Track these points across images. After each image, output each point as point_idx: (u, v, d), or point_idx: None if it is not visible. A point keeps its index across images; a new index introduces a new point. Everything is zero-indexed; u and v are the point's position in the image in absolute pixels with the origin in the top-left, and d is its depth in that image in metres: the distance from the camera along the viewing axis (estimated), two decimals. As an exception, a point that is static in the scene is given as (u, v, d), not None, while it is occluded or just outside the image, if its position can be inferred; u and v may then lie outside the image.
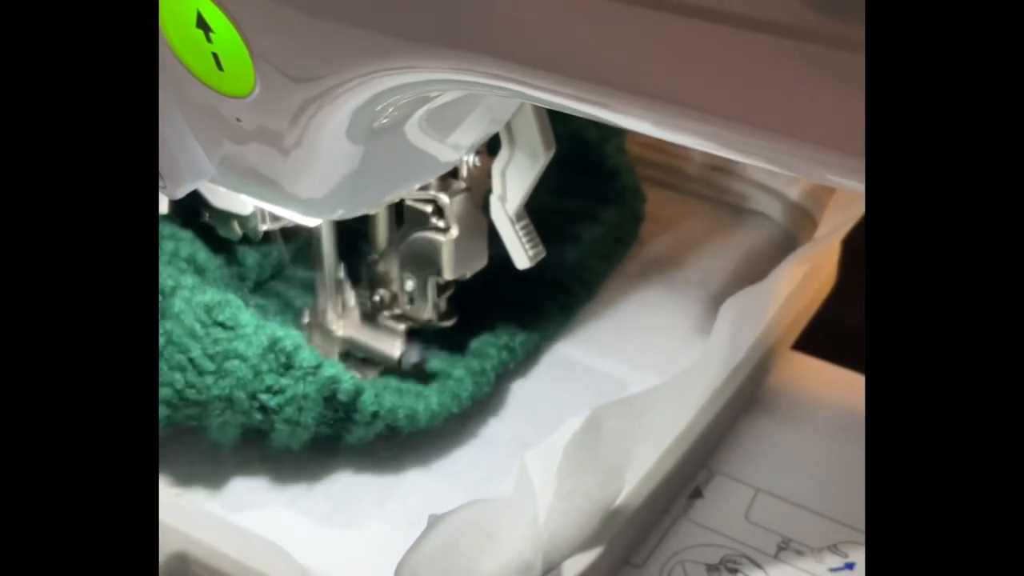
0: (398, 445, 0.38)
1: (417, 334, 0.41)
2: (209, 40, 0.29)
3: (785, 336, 0.43)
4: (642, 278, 0.47)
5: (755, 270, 0.46)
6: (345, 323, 0.41)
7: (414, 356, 0.40)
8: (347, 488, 0.38)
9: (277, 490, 0.38)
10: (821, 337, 0.45)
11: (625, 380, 0.42)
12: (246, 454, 0.38)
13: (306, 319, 0.41)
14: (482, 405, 0.40)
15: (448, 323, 0.41)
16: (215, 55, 0.29)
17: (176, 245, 0.39)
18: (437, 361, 0.40)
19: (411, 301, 0.40)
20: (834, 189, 0.45)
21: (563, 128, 0.37)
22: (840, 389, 0.43)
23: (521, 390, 0.42)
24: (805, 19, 0.21)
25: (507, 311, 0.41)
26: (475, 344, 0.40)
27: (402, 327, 0.41)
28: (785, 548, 0.37)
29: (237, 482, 0.38)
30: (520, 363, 0.41)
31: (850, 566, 0.36)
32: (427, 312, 0.40)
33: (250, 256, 0.42)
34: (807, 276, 0.43)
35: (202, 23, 0.29)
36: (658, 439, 0.36)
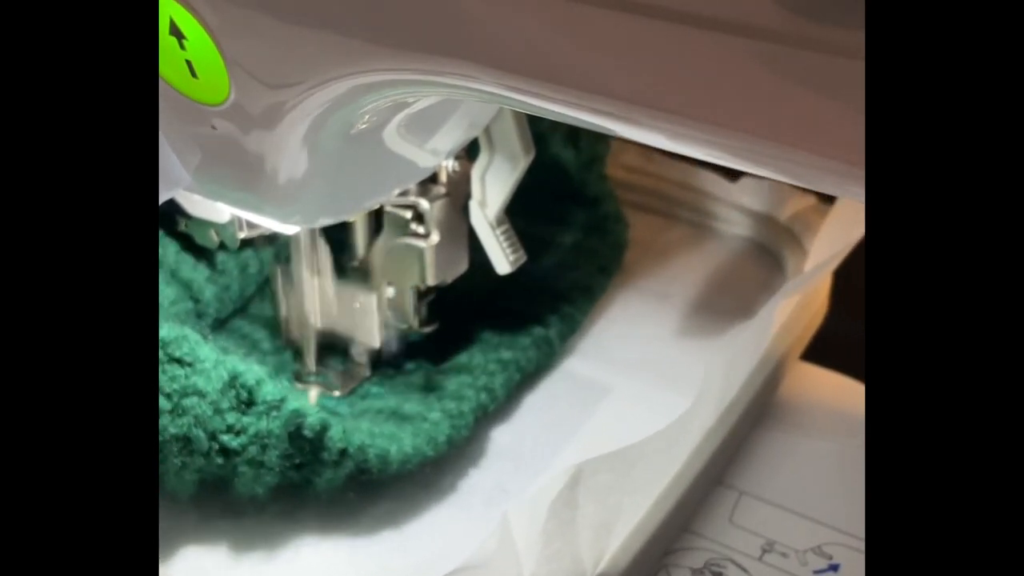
0: (370, 494, 0.36)
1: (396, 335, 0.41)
2: (182, 47, 0.29)
3: (775, 372, 0.41)
4: (626, 307, 0.45)
5: (743, 297, 0.45)
6: (323, 313, 0.40)
7: (394, 345, 0.39)
8: (317, 547, 0.36)
9: (242, 547, 0.35)
10: (822, 345, 0.44)
11: (612, 419, 0.40)
12: (207, 510, 0.36)
13: (283, 311, 0.40)
14: (460, 452, 0.38)
15: (428, 329, 0.40)
16: (189, 62, 0.29)
17: None
18: (411, 404, 0.38)
19: (392, 308, 0.40)
20: (824, 213, 0.45)
21: (542, 155, 0.36)
22: (823, 391, 0.43)
23: (501, 434, 0.39)
24: (803, 27, 0.20)
25: (486, 350, 0.40)
26: (452, 386, 0.38)
27: (379, 317, 0.40)
28: (769, 550, 0.37)
29: (198, 539, 0.36)
30: (500, 405, 0.39)
31: (834, 567, 0.36)
32: (408, 319, 0.40)
33: (207, 290, 0.40)
34: (798, 308, 0.41)
35: (175, 30, 0.28)
36: (647, 492, 0.35)
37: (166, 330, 0.33)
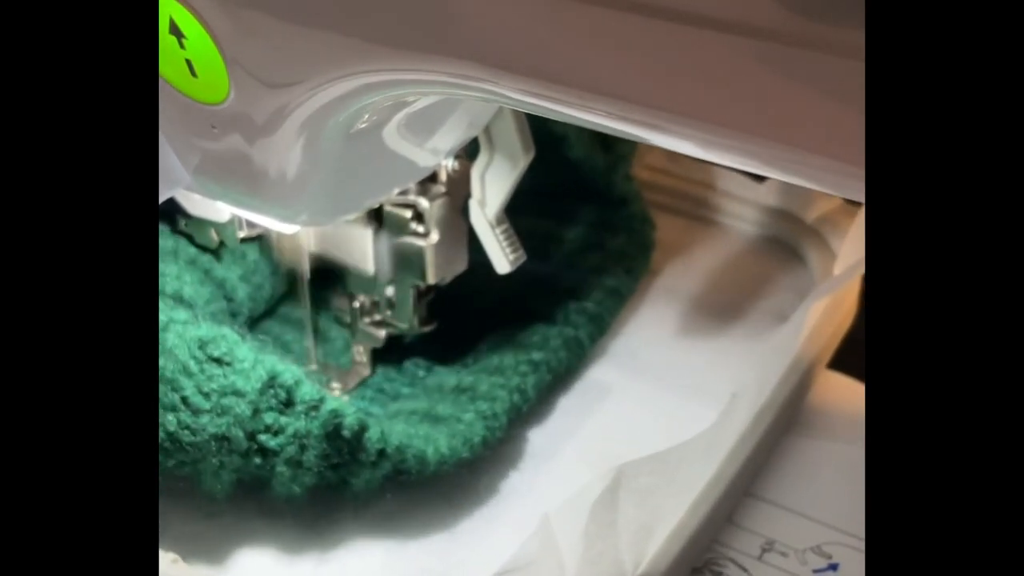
0: (407, 497, 0.36)
1: (399, 338, 0.41)
2: (182, 47, 0.29)
3: (807, 373, 0.41)
4: (654, 309, 0.45)
5: (770, 300, 0.45)
6: (317, 237, 0.39)
7: (386, 276, 0.39)
8: (355, 550, 0.36)
9: (279, 550, 0.35)
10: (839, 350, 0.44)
11: (644, 423, 0.40)
12: (245, 509, 0.36)
13: (275, 236, 0.40)
14: (496, 454, 0.38)
15: (428, 328, 0.40)
16: (188, 62, 0.29)
17: (161, 281, 0.37)
18: (444, 406, 0.38)
19: (391, 307, 0.40)
20: (851, 213, 0.44)
21: (568, 155, 0.35)
22: (829, 394, 0.42)
23: (534, 436, 0.39)
24: (802, 26, 0.20)
25: (516, 351, 0.40)
26: (484, 387, 0.38)
27: (383, 333, 0.40)
28: (769, 550, 0.37)
29: (236, 540, 0.36)
30: (533, 407, 0.39)
31: (834, 567, 0.36)
32: (407, 318, 0.40)
33: (241, 289, 0.40)
34: (828, 310, 0.41)
35: (175, 29, 0.28)
36: (685, 495, 0.35)
37: (204, 329, 0.33)
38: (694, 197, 0.50)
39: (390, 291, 0.39)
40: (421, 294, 0.40)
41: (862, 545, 0.36)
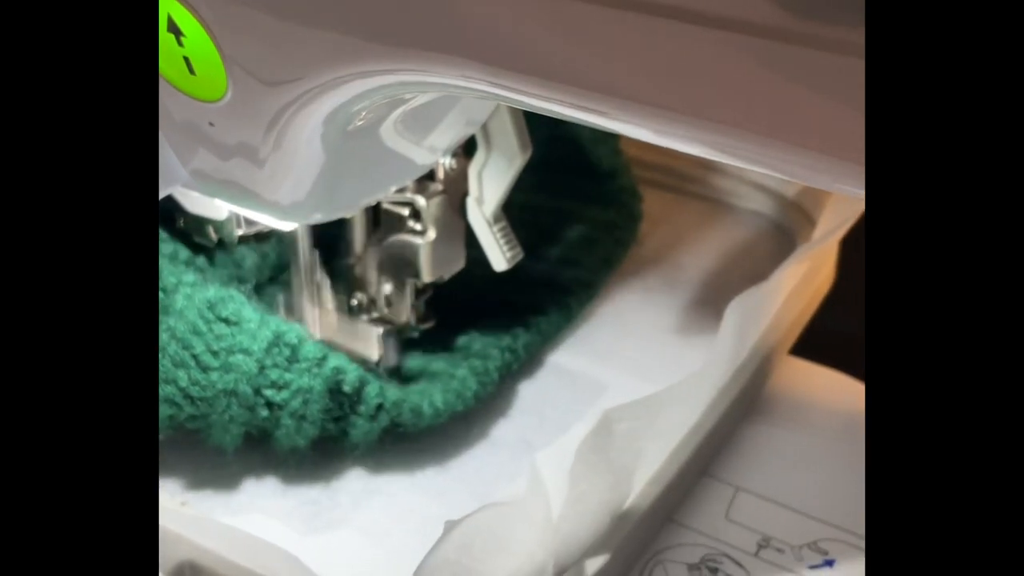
0: (403, 446, 0.38)
1: (395, 336, 0.41)
2: (180, 44, 0.29)
3: (785, 337, 0.43)
4: (641, 279, 0.47)
5: (754, 269, 0.46)
6: (323, 325, 0.41)
7: (392, 359, 0.40)
8: (355, 492, 0.38)
9: (284, 495, 0.37)
10: (815, 342, 0.44)
11: (626, 384, 0.42)
12: (251, 460, 0.38)
13: (281, 314, 0.41)
14: (487, 407, 0.40)
15: (426, 326, 0.40)
16: (186, 59, 0.29)
17: (175, 248, 0.39)
18: (438, 363, 0.40)
19: (389, 305, 0.40)
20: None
21: (557, 130, 0.36)
22: (817, 387, 0.43)
23: (524, 392, 0.42)
24: (802, 24, 0.20)
25: (507, 313, 0.41)
26: (477, 346, 0.40)
27: (380, 330, 0.40)
28: (765, 546, 0.37)
29: (243, 488, 0.38)
30: (523, 365, 0.41)
31: (830, 563, 0.36)
32: (405, 315, 0.40)
33: (248, 258, 0.42)
34: (806, 276, 0.43)
35: (173, 27, 0.28)
36: (666, 440, 0.36)
37: (212, 291, 0.35)
38: (680, 172, 0.51)
39: (388, 289, 0.40)
40: (419, 292, 0.40)
41: (858, 541, 0.37)
